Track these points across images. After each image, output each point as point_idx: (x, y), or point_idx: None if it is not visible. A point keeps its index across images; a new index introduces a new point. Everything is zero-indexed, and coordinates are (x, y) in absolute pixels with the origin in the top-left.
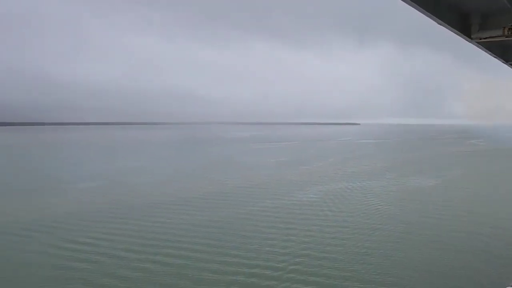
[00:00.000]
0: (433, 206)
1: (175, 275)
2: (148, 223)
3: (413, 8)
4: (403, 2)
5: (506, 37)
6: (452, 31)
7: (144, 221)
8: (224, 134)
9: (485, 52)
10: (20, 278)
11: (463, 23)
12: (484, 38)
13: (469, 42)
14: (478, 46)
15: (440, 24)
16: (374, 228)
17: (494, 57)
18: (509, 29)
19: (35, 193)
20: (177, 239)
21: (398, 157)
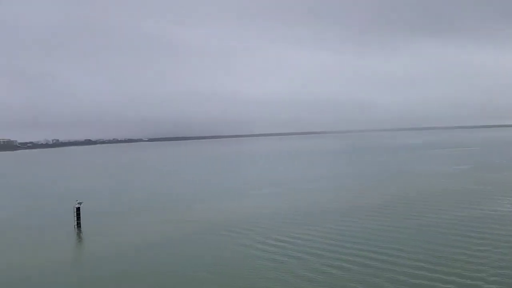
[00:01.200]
0: None
1: (371, 275)
2: (335, 226)
3: None
4: None
5: None
6: None
7: (332, 224)
8: (394, 141)
9: None
10: (233, 266)
11: None
12: None
13: None
14: None
15: None
16: None
17: None
18: None
19: (231, 196)
20: (369, 243)
21: None
